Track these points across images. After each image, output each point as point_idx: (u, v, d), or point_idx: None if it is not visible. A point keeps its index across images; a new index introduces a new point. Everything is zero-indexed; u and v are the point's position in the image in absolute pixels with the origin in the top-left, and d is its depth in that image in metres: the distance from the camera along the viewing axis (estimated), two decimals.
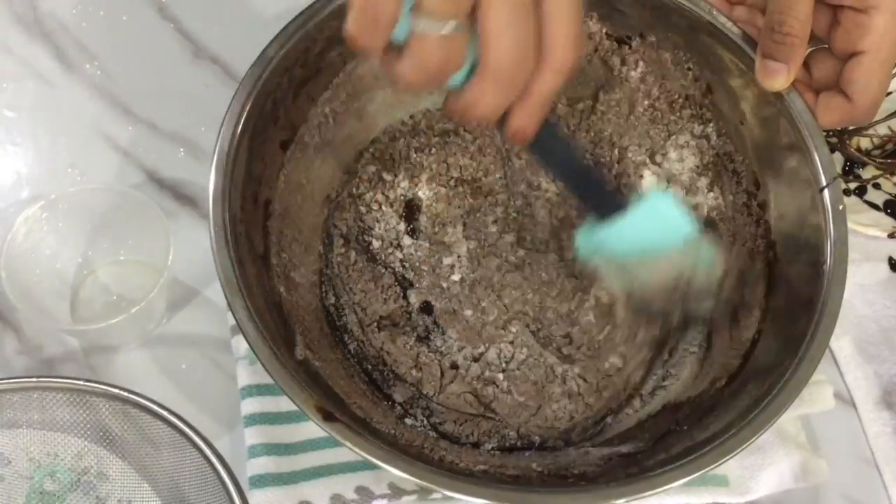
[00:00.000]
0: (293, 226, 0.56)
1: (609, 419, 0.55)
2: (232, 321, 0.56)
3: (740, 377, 0.51)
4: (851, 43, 0.49)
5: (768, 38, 0.50)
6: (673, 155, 0.59)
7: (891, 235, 0.64)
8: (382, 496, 0.52)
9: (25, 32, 0.68)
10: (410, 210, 0.60)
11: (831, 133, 0.64)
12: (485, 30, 0.38)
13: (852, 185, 0.66)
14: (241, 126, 0.50)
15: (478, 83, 0.40)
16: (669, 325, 0.56)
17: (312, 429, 0.52)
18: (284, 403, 0.54)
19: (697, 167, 0.59)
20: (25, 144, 0.65)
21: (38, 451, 0.51)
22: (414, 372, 0.55)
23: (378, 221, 0.59)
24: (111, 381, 0.50)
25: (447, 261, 0.59)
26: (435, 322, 0.57)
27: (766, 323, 0.53)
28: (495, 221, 0.60)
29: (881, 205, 0.65)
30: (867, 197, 0.65)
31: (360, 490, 0.52)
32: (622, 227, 0.48)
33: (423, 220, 0.60)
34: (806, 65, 0.52)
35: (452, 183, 0.61)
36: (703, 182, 0.59)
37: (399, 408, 0.54)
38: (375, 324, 0.56)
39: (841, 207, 0.50)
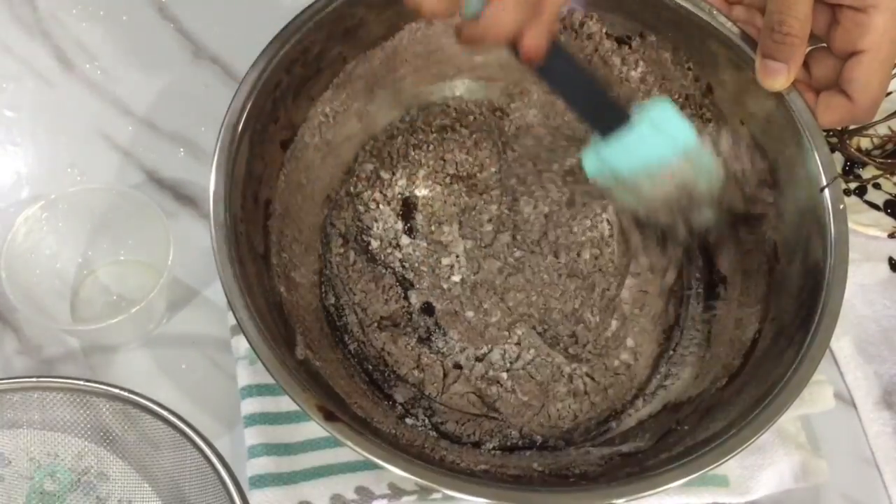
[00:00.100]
0: (293, 226, 0.56)
1: (613, 423, 0.55)
2: (232, 321, 0.56)
3: (741, 377, 0.51)
4: (851, 42, 0.49)
5: (768, 38, 0.51)
6: None
7: (891, 235, 0.64)
8: (382, 496, 0.52)
9: (25, 32, 0.68)
10: (407, 209, 0.60)
11: (831, 133, 0.64)
12: None
13: (852, 185, 0.66)
14: (241, 126, 0.50)
15: (499, 1, 0.42)
16: (676, 249, 0.58)
17: (312, 429, 0.52)
18: (284, 403, 0.54)
19: None
20: (25, 144, 0.65)
21: (39, 452, 0.51)
22: (416, 372, 0.55)
23: (376, 221, 0.59)
24: (111, 381, 0.50)
25: (446, 261, 0.59)
26: (436, 323, 0.57)
27: (766, 323, 0.53)
28: (490, 220, 0.60)
29: (881, 205, 0.65)
30: (867, 197, 0.65)
31: (361, 490, 0.52)
32: (626, 143, 0.48)
33: (419, 218, 0.60)
34: (806, 64, 0.52)
35: (448, 180, 0.61)
36: None
37: (400, 408, 0.54)
38: (376, 324, 0.56)
39: (841, 207, 0.50)
